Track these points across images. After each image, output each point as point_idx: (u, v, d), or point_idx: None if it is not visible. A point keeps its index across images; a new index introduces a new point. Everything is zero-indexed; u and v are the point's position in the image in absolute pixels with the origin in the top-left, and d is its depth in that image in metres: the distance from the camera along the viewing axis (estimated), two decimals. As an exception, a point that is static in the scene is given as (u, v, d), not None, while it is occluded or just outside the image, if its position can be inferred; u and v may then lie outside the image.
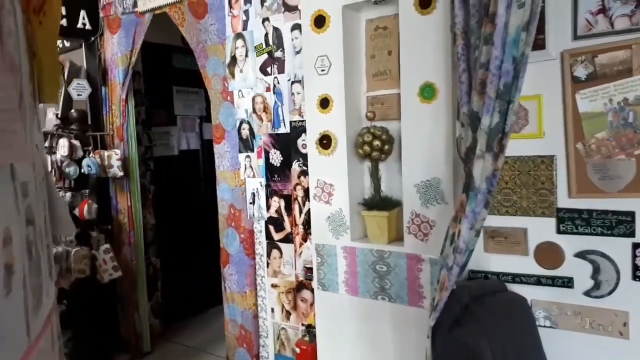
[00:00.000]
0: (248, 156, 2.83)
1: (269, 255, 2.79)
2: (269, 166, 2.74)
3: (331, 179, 2.28)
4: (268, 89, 2.68)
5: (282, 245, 2.73)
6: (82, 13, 3.51)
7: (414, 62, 2.00)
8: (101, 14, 3.59)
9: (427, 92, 1.97)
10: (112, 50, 3.56)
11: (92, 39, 3.63)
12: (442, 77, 1.93)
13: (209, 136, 4.46)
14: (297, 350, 2.53)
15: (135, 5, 3.32)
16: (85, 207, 3.36)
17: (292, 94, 2.58)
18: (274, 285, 2.78)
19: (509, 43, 1.33)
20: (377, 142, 2.12)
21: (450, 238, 1.59)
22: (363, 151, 2.16)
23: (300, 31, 2.44)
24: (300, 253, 2.63)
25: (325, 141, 2.29)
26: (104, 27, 3.61)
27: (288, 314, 2.74)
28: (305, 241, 2.60)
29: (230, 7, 2.78)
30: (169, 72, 4.36)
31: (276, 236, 2.75)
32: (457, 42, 1.62)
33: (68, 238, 3.18)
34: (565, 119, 1.79)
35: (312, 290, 2.54)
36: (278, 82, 2.63)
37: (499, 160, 1.44)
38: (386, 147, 2.14)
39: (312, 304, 2.57)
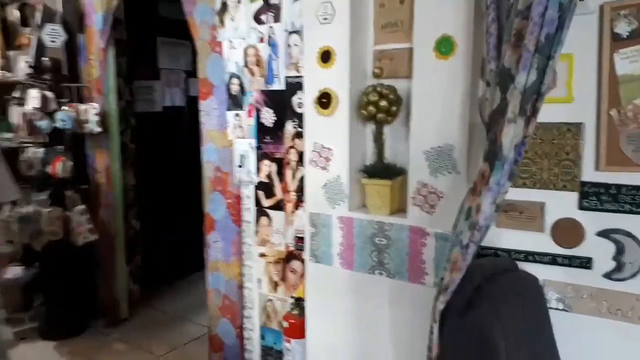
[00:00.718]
0: (237, 114, 2.62)
1: (257, 222, 2.61)
2: (260, 126, 2.54)
3: (330, 142, 2.09)
4: (262, 40, 2.46)
5: (272, 212, 2.55)
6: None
7: (431, 12, 1.80)
8: (78, -50, 3.27)
9: (445, 46, 1.77)
10: (89, -8, 3.26)
11: (68, -22, 3.32)
12: (463, 29, 1.72)
13: (195, 92, 4.20)
14: (285, 324, 2.38)
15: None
16: (59, 164, 3.14)
17: (289, 46, 2.35)
18: (261, 255, 2.62)
19: (556, -16, 1.12)
20: (384, 103, 1.92)
21: (465, 212, 1.41)
22: (367, 112, 1.96)
23: None
24: (292, 222, 2.45)
25: (324, 100, 2.08)
26: (81, -35, 3.29)
27: (276, 285, 2.58)
28: (298, 209, 2.41)
29: None
30: (154, 21, 4.08)
31: (266, 203, 2.57)
32: (486, -14, 1.40)
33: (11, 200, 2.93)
34: (600, 82, 1.60)
35: (302, 262, 2.38)
36: (273, 33, 2.40)
37: (530, 125, 1.26)
38: (394, 108, 1.94)
39: (302, 276, 2.42)
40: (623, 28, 1.54)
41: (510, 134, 1.24)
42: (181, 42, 4.24)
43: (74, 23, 3.41)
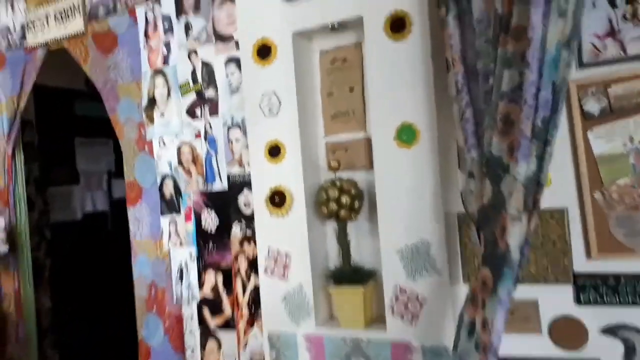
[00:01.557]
0: (173, 220, 2.32)
1: (203, 347, 2.24)
2: (200, 232, 2.26)
3: (287, 246, 1.85)
4: (198, 136, 2.26)
5: (221, 333, 2.20)
6: (-47, 48, 2.89)
7: (386, 100, 1.69)
8: (-21, 50, 2.98)
9: (406, 134, 1.64)
10: (-7, 93, 2.94)
11: (-33, 80, 2.99)
12: (424, 115, 1.62)
13: (120, 194, 3.86)
14: None
15: (23, 38, 2.77)
16: (-48, 295, 2.61)
17: (230, 141, 2.16)
18: (211, 386, 2.22)
19: (547, 63, 1.02)
20: (345, 198, 1.73)
21: (467, 328, 1.20)
22: (328, 210, 1.76)
23: (237, 65, 2.10)
24: (246, 344, 2.11)
25: (277, 198, 1.87)
26: (-18, 66, 2.99)
27: (231, 421, 2.17)
28: (253, 327, 2.09)
29: (147, 37, 2.35)
30: (71, 120, 3.79)
31: (213, 322, 2.22)
32: (455, 69, 1.30)
33: None
34: (577, 163, 1.52)
35: (263, 391, 2.02)
36: (210, 127, 2.21)
37: (532, 220, 1.10)
38: (356, 203, 1.76)
39: (263, 409, 2.04)
40: (593, 106, 1.48)
41: (517, 235, 1.06)
42: (102, 141, 3.94)
43: (-25, 128, 3.04)
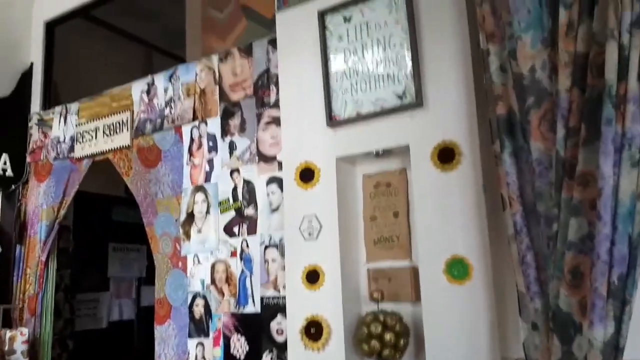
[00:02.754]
0: (201, 343, 2.24)
1: None
2: (229, 358, 2.13)
3: (323, 386, 1.71)
4: (234, 254, 2.24)
5: None
6: (4, 157, 3.04)
7: (434, 229, 1.64)
8: (28, 159, 3.13)
9: (458, 269, 1.57)
10: (36, 201, 3.05)
11: (13, 187, 3.11)
12: (477, 251, 1.55)
13: (148, 302, 3.79)
14: None
15: (71, 150, 2.92)
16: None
17: (266, 261, 2.13)
18: None
19: (621, 216, 0.95)
20: (389, 336, 1.62)
21: None
22: (370, 348, 1.64)
23: (279, 185, 2.12)
24: None
25: (313, 330, 1.77)
26: (29, 174, 3.12)
27: None
28: None
29: (191, 155, 2.42)
30: (107, 226, 3.87)
31: None
32: (512, 209, 1.25)
33: None
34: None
35: None
36: (247, 246, 2.20)
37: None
38: (401, 341, 1.64)
39: None
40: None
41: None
42: (135, 247, 3.98)
43: (13, 233, 3.11)
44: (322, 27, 1.92)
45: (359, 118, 1.82)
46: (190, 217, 2.38)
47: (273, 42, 2.18)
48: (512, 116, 1.35)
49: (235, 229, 2.24)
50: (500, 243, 1.51)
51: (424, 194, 1.67)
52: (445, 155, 1.63)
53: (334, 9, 1.90)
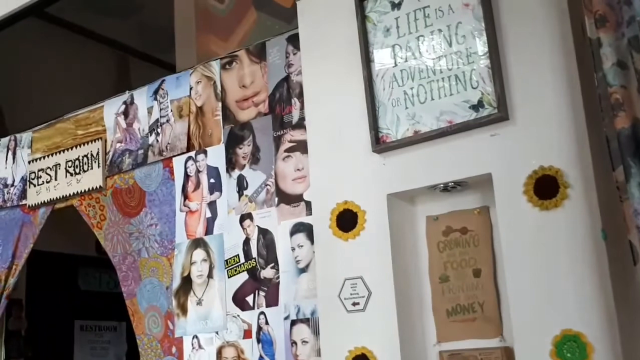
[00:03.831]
0: None
1: None
2: None
3: None
4: (248, 334, 2.29)
5: None
6: None
7: (535, 294, 1.63)
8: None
9: (572, 350, 1.56)
10: (-25, 266, 3.13)
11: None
12: (599, 323, 1.54)
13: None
14: None
15: (23, 195, 3.03)
16: None
17: (293, 343, 2.17)
18: None
19: None
20: None
21: None
22: None
23: (308, 235, 2.17)
24: None
25: None
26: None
27: None
28: None
29: (186, 197, 2.51)
30: (72, 297, 3.96)
31: None
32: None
33: None
34: None
35: None
36: (266, 322, 2.25)
37: None
38: None
39: None
40: None
41: None
42: (111, 325, 4.07)
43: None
44: (362, 17, 1.97)
45: (418, 139, 1.85)
46: (187, 283, 2.44)
47: (294, 40, 2.25)
48: (638, 131, 1.33)
49: (249, 299, 2.29)
50: (630, 313, 1.50)
51: (517, 243, 1.68)
52: (545, 188, 1.63)
53: (378, -8, 1.96)
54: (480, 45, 1.77)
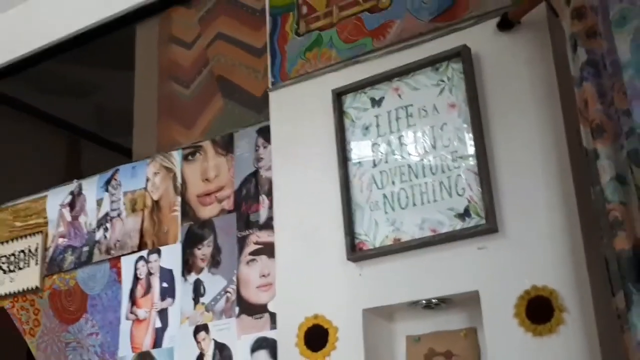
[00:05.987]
0: None
1: None
2: None
3: None
4: None
5: None
6: None
7: None
8: None
9: None
10: None
11: None
12: None
13: None
14: None
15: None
16: None
17: None
18: None
19: None
20: None
21: None
22: None
23: (270, 353, 2.12)
24: None
25: None
26: None
27: None
28: None
29: (133, 303, 2.48)
30: None
31: None
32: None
33: None
34: None
35: None
36: None
37: None
38: None
39: None
40: None
41: None
42: None
43: None
44: (340, 112, 2.02)
45: (398, 248, 1.86)
46: None
47: (265, 133, 2.28)
48: (640, 254, 1.34)
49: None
50: None
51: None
52: (539, 311, 1.63)
53: (357, 88, 2.01)
54: (467, 150, 1.79)
